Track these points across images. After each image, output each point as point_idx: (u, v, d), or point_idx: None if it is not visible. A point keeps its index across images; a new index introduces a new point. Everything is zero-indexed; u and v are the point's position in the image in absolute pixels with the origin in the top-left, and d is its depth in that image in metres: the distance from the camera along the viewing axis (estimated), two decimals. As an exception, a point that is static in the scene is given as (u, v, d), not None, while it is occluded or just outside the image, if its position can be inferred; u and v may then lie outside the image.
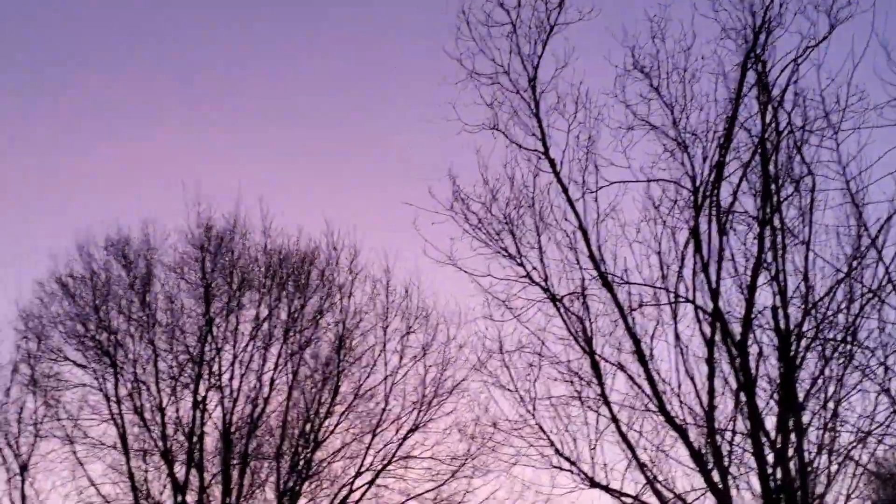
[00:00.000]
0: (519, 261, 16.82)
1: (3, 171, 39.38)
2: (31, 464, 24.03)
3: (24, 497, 23.70)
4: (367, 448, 24.14)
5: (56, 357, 24.79)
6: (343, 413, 24.46)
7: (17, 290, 25.46)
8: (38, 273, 25.51)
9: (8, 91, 39.83)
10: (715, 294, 15.17)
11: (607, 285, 16.03)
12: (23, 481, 23.84)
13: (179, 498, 23.41)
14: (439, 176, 17.52)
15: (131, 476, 23.70)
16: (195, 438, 23.88)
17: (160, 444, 23.87)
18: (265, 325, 24.91)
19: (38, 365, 24.72)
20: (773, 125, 15.27)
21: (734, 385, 15.10)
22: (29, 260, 28.02)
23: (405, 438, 24.17)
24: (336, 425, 24.40)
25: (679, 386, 15.49)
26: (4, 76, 39.35)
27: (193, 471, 23.66)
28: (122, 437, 23.92)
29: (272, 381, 24.51)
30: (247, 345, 24.74)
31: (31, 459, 24.07)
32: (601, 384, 16.07)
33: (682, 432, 15.32)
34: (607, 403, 16.05)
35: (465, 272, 17.23)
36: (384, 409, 24.34)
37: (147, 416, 24.08)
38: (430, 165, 18.03)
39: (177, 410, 24.23)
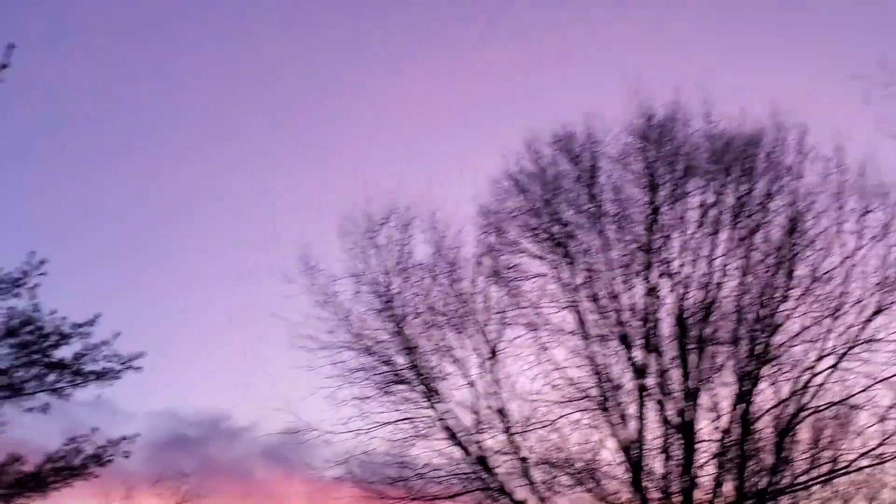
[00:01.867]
0: None
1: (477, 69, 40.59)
2: (500, 349, 25.46)
3: (495, 379, 25.33)
4: (828, 332, 23.61)
5: (514, 249, 26.01)
6: (799, 297, 24.02)
7: (474, 187, 26.66)
8: (492, 171, 26.71)
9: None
10: None
11: None
12: (493, 365, 25.39)
13: (639, 381, 24.17)
14: (892, 45, 16.60)
15: (592, 360, 24.69)
16: (650, 324, 24.47)
17: (616, 329, 24.67)
18: (712, 212, 24.85)
19: (498, 257, 26.04)
20: None
21: None
22: (484, 158, 29.15)
23: (868, 321, 23.36)
24: (793, 310, 24.04)
25: None
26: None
27: (651, 355, 24.30)
28: (581, 323, 24.92)
29: (723, 266, 24.52)
30: (694, 231, 24.85)
31: (498, 345, 25.47)
32: None
33: None
34: None
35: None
36: (843, 292, 23.63)
37: (602, 303, 24.90)
38: (880, 36, 17.09)
39: (630, 297, 24.87)
